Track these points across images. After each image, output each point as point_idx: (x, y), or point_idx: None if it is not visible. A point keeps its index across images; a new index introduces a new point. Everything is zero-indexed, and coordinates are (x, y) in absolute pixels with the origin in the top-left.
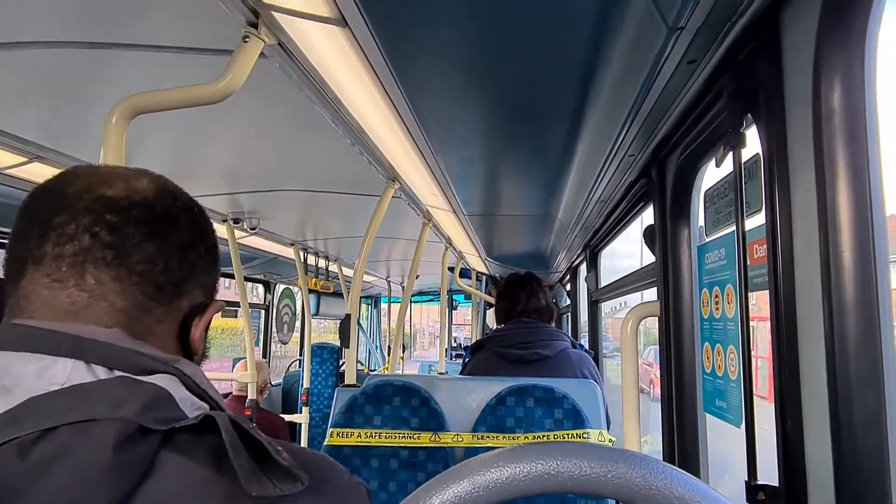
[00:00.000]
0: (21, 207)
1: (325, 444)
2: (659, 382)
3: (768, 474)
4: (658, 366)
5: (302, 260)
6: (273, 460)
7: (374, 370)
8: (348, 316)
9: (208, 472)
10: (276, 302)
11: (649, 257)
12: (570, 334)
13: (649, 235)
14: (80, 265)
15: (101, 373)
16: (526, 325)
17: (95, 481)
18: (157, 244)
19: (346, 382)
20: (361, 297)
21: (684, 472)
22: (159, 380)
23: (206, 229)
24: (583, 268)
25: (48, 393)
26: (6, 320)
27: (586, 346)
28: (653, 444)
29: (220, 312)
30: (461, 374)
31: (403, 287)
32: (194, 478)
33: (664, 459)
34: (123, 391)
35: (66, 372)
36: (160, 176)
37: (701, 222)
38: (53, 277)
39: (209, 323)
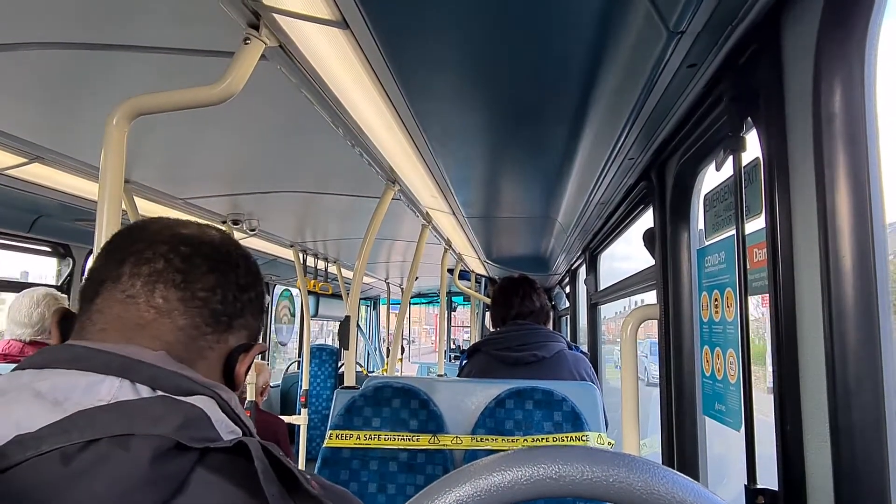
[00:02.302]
0: (106, 242)
1: (323, 445)
2: None
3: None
4: None
5: (301, 261)
6: (303, 488)
7: (373, 372)
8: (348, 318)
9: (239, 494)
10: (275, 303)
11: (649, 260)
12: (569, 337)
13: (649, 238)
14: (152, 284)
15: (145, 392)
16: (522, 328)
17: (131, 491)
18: (219, 278)
19: (345, 384)
20: (361, 299)
21: (686, 476)
22: (198, 401)
23: (259, 279)
24: (582, 270)
25: (94, 407)
26: (70, 338)
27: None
28: (652, 446)
29: (263, 353)
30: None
31: (403, 289)
32: (225, 497)
33: (663, 462)
34: (163, 409)
35: (112, 389)
36: (224, 230)
37: (701, 226)
38: (128, 294)
39: (252, 361)
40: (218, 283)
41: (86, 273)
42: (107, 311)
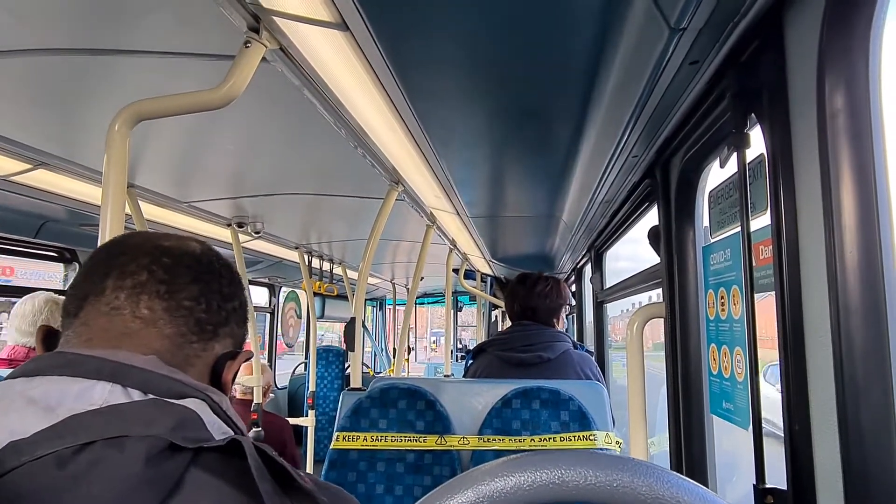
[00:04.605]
0: (87, 259)
1: (331, 447)
2: None
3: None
4: None
5: (306, 263)
6: (297, 484)
7: (380, 373)
8: (353, 319)
9: (233, 492)
10: (281, 305)
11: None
12: (575, 336)
13: (654, 236)
14: (136, 296)
15: (136, 396)
16: (527, 329)
17: (127, 492)
18: (202, 287)
19: (351, 386)
20: (366, 300)
21: (691, 480)
22: (190, 403)
23: (241, 288)
24: (588, 269)
25: (87, 412)
26: (57, 349)
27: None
28: (660, 445)
29: (249, 360)
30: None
31: (408, 289)
32: (220, 496)
33: (670, 461)
34: (156, 411)
35: (104, 394)
36: (205, 241)
37: (706, 223)
38: (112, 306)
39: (238, 368)
40: (201, 292)
41: (68, 289)
42: (92, 323)
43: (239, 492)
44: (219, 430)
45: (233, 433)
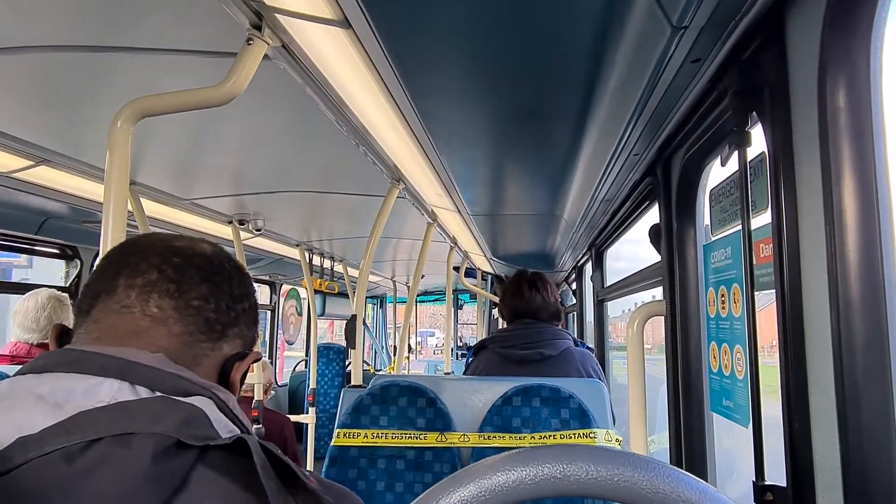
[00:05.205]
0: (101, 259)
1: (331, 444)
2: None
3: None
4: None
5: (307, 260)
6: (301, 483)
7: (380, 370)
8: (354, 317)
9: (238, 490)
10: (281, 303)
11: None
12: (575, 333)
13: (655, 234)
14: (146, 294)
15: (144, 393)
16: (528, 326)
17: (134, 489)
18: (211, 288)
19: (352, 383)
20: (367, 297)
21: (691, 475)
22: (196, 401)
23: (252, 290)
24: (588, 267)
25: (94, 408)
26: (67, 346)
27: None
28: (659, 443)
29: (258, 361)
30: (464, 374)
31: (409, 287)
32: (225, 494)
33: (671, 459)
34: (163, 409)
35: (111, 391)
36: (217, 244)
37: (707, 221)
38: (123, 304)
39: (247, 369)
40: (211, 292)
41: (81, 288)
42: (102, 321)
43: (244, 490)
44: (225, 429)
45: (239, 431)
